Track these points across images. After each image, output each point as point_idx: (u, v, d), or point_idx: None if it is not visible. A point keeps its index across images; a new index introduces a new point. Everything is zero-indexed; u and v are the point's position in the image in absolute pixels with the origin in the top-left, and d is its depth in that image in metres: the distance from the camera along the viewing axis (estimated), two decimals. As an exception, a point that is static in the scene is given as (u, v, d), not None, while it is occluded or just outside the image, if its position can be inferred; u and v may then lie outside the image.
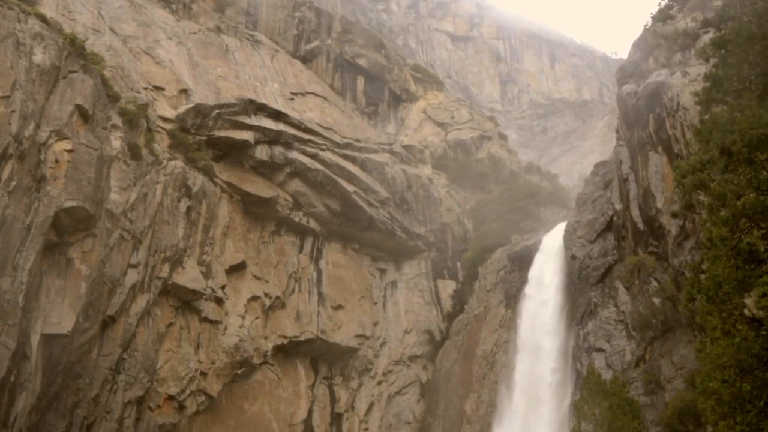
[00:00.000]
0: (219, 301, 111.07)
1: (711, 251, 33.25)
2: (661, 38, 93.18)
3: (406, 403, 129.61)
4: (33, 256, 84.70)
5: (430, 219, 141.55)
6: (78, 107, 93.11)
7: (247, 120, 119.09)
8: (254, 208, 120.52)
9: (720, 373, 28.27)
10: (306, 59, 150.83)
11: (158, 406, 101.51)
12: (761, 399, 26.20)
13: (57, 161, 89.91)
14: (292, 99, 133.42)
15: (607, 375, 64.30)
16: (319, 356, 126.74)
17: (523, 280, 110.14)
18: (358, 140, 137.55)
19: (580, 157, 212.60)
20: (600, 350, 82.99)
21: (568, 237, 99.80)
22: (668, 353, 71.69)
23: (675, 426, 58.99)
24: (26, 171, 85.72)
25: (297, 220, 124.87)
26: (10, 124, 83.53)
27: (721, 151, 34.14)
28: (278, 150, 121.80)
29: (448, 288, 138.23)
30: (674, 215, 49.83)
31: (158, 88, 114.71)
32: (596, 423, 44.92)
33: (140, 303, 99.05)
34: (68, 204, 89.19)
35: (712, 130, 36.47)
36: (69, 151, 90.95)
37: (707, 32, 75.51)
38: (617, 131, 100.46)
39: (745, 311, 29.63)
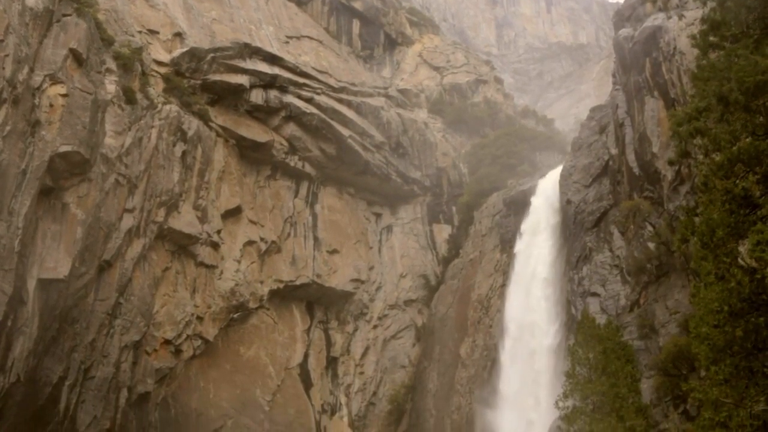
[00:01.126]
0: (215, 246, 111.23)
1: (705, 196, 33.27)
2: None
3: (401, 347, 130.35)
4: (28, 201, 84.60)
5: (426, 163, 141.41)
6: (72, 51, 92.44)
7: (242, 64, 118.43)
8: (249, 153, 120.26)
9: (713, 317, 28.38)
10: (301, 2, 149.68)
11: (155, 350, 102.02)
12: (751, 342, 26.35)
13: (51, 106, 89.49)
14: (287, 42, 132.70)
15: (601, 319, 64.57)
16: (315, 300, 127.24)
17: (518, 225, 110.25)
18: (353, 84, 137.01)
19: (576, 101, 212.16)
20: (594, 295, 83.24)
21: (564, 182, 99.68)
22: (662, 298, 71.92)
23: (668, 370, 59.34)
24: (21, 116, 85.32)
25: (292, 164, 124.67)
26: (3, 68, 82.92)
27: (718, 99, 34.04)
28: (273, 94, 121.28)
29: (443, 232, 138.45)
30: (671, 162, 49.82)
31: (152, 32, 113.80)
32: (590, 367, 45.16)
33: (136, 248, 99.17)
34: (63, 149, 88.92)
35: (709, 78, 36.35)
36: (63, 96, 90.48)
37: (705, -26, 74.83)
38: (613, 75, 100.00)
39: (739, 260, 29.70)
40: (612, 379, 43.50)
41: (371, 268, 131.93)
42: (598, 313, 75.60)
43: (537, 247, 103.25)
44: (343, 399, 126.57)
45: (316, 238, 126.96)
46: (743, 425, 25.87)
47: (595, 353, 45.65)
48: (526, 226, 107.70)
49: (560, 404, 46.02)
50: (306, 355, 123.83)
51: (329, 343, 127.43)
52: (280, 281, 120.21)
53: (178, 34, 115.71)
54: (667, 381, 59.20)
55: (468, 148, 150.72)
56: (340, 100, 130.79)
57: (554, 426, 67.65)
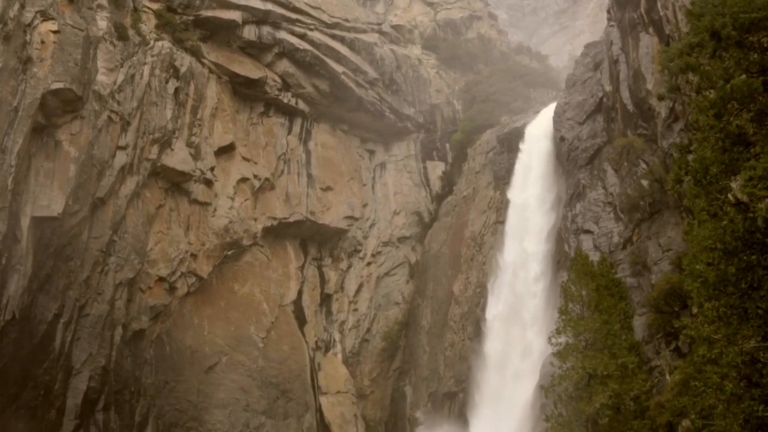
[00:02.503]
0: (208, 183, 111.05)
1: (699, 133, 33.20)
2: None
3: (395, 284, 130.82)
4: (21, 138, 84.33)
5: (419, 100, 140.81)
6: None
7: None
8: (242, 89, 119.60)
9: (706, 255, 28.47)
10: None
11: (149, 287, 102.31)
12: (745, 281, 26.44)
13: (43, 42, 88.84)
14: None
15: (594, 257, 64.75)
16: (309, 238, 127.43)
17: (511, 162, 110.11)
18: (346, 20, 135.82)
19: (570, 37, 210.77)
20: (588, 232, 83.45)
21: (558, 118, 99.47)
22: (655, 235, 72.10)
23: (661, 307, 59.64)
24: (12, 53, 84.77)
25: (285, 101, 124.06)
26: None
27: (711, 35, 33.81)
28: (266, 30, 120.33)
29: (436, 169, 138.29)
30: (660, 98, 49.69)
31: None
32: (583, 304, 45.39)
33: (129, 185, 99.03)
34: (55, 86, 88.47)
35: (703, 14, 36.04)
36: (55, 32, 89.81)
37: None
38: (608, 12, 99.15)
39: (730, 195, 29.70)
40: (604, 316, 43.76)
41: (365, 205, 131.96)
42: (591, 251, 75.85)
43: (530, 184, 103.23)
44: (336, 336, 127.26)
45: (309, 175, 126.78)
46: (734, 362, 26.06)
47: (587, 290, 45.87)
48: (519, 163, 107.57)
49: (553, 341, 46.31)
50: (300, 292, 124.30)
51: (323, 280, 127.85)
52: (274, 218, 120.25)
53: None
54: (660, 318, 59.55)
55: (462, 85, 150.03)
56: (333, 36, 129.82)
57: (547, 362, 68.20)
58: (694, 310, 44.60)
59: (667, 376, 54.40)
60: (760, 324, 25.51)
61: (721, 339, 27.14)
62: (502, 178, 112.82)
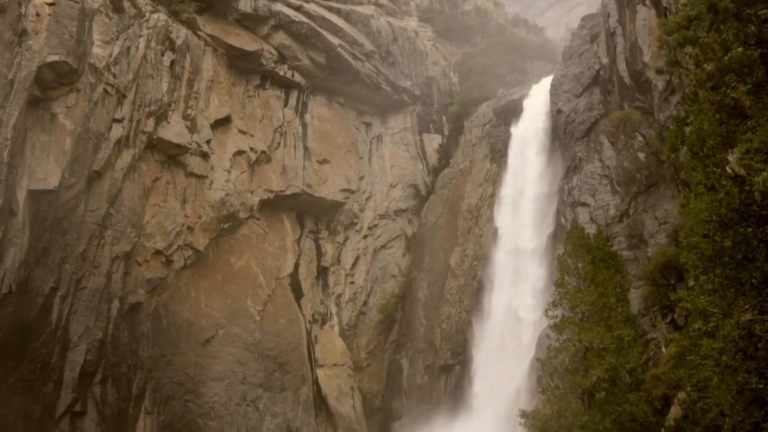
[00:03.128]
0: (204, 156, 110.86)
1: (696, 106, 33.16)
2: None
3: (391, 256, 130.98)
4: (17, 111, 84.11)
5: (416, 72, 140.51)
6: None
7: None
8: (238, 62, 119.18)
9: (702, 227, 28.50)
10: None
11: (146, 260, 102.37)
12: (740, 253, 26.48)
13: (38, 15, 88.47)
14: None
15: (590, 229, 64.79)
16: (305, 210, 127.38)
17: (508, 135, 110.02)
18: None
19: (567, 9, 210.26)
20: (584, 205, 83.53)
21: (554, 91, 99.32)
22: (652, 208, 72.17)
23: (657, 280, 59.74)
24: (7, 25, 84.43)
25: (282, 73, 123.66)
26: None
27: (708, 8, 33.68)
28: (262, 2, 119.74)
29: (433, 142, 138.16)
30: (659, 72, 49.58)
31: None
32: (579, 276, 45.44)
33: (126, 158, 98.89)
34: (51, 58, 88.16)
35: (702, -15, 35.89)
36: (50, 4, 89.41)
37: None
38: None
39: (728, 169, 29.68)
40: (600, 288, 43.82)
41: (361, 178, 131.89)
42: (587, 223, 75.88)
43: (527, 157, 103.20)
44: (333, 308, 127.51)
45: (306, 148, 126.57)
46: (730, 335, 26.14)
47: (584, 263, 45.90)
48: (516, 135, 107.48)
49: (549, 313, 46.40)
50: (296, 265, 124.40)
51: (320, 253, 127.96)
52: (270, 191, 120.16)
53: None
54: (656, 291, 59.66)
55: (458, 57, 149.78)
56: (329, 8, 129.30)
57: (543, 335, 68.36)
58: (690, 282, 44.65)
59: (663, 349, 54.56)
60: (756, 296, 25.57)
61: (716, 312, 27.19)
62: (499, 150, 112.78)
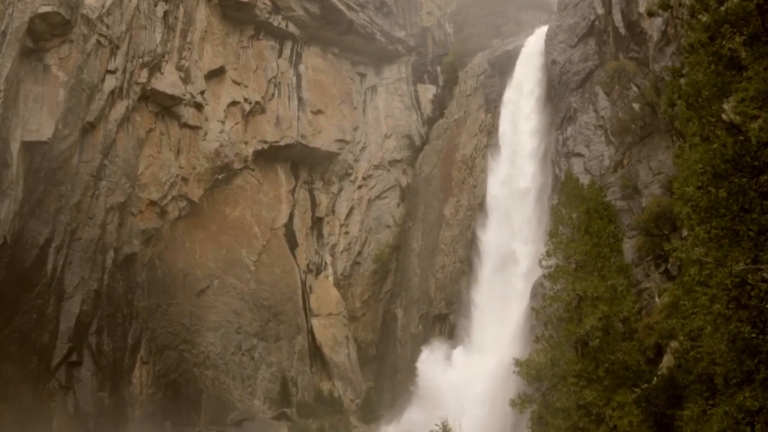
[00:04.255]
0: (198, 107, 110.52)
1: (691, 57, 33.05)
2: None
3: (386, 207, 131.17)
4: (9, 63, 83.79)
5: (411, 23, 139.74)
6: None
7: None
8: (232, 12, 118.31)
9: (696, 178, 28.53)
10: None
11: (140, 211, 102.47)
12: (735, 204, 26.54)
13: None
14: None
15: (585, 180, 64.81)
16: (300, 161, 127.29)
17: (503, 85, 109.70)
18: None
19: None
20: (579, 155, 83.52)
21: (549, 41, 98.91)
22: (646, 159, 72.16)
23: (651, 230, 59.90)
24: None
25: (276, 24, 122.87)
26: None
27: (704, -43, 33.44)
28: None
29: (428, 92, 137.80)
30: (650, 14, 49.28)
31: None
32: (573, 227, 45.42)
33: (119, 109, 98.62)
34: (43, 9, 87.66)
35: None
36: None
37: None
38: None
39: (723, 116, 29.64)
40: (594, 238, 43.86)
41: (356, 129, 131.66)
42: (581, 174, 75.93)
43: (521, 108, 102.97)
44: (328, 258, 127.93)
45: (300, 99, 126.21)
46: (723, 284, 26.27)
47: (578, 213, 45.87)
48: (511, 86, 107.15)
49: (543, 263, 46.49)
50: (291, 216, 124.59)
51: (314, 204, 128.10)
52: (265, 142, 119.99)
53: None
54: (649, 241, 59.84)
55: (453, 8, 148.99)
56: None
57: (537, 284, 68.66)
58: (684, 233, 44.80)
59: (656, 299, 54.89)
60: (750, 246, 25.68)
61: (710, 261, 27.32)
62: (494, 101, 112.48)
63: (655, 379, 41.15)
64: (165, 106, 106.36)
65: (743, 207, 26.03)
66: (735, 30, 31.00)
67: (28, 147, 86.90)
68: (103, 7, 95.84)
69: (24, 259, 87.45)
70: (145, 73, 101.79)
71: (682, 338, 33.96)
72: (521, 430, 52.92)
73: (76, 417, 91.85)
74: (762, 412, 24.87)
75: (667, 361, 43.28)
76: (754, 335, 25.53)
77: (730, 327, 26.37)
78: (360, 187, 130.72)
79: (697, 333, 30.26)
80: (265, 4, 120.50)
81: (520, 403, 41.74)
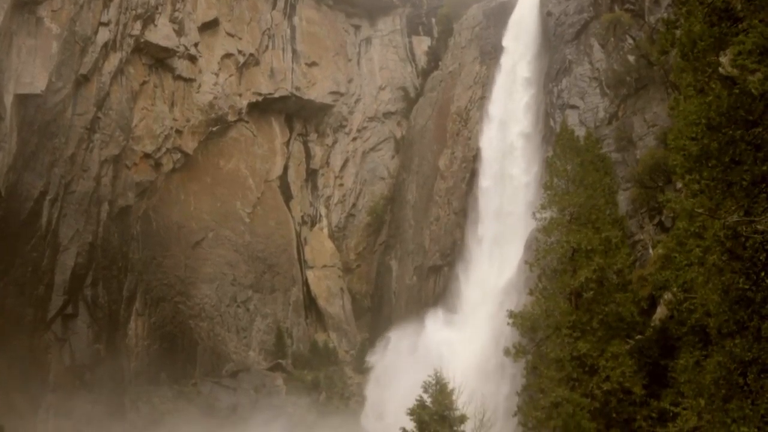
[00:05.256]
0: (192, 59, 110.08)
1: (686, 7, 32.93)
2: None
3: (380, 159, 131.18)
4: (2, 16, 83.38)
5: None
6: None
7: None
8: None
9: (690, 130, 28.55)
10: None
11: (135, 164, 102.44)
12: (727, 155, 26.59)
13: None
14: None
15: (580, 132, 64.67)
16: (294, 113, 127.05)
17: (498, 37, 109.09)
18: None
19: None
20: (573, 107, 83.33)
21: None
22: (641, 111, 72.07)
23: (645, 182, 59.97)
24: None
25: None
26: None
27: None
28: None
29: (422, 44, 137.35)
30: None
31: None
32: (568, 179, 45.44)
33: (113, 61, 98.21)
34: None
35: None
36: None
37: None
38: None
39: (720, 69, 29.60)
40: (589, 190, 43.92)
41: (350, 81, 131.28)
42: (576, 126, 75.70)
43: (516, 60, 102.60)
44: (323, 210, 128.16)
45: (294, 51, 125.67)
46: (717, 236, 26.41)
47: (573, 165, 45.86)
48: (506, 38, 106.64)
49: (538, 215, 46.58)
50: (286, 168, 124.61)
51: (309, 156, 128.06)
52: (259, 94, 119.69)
53: None
54: (644, 193, 59.94)
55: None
56: None
57: (532, 236, 68.82)
58: (678, 184, 44.88)
59: (650, 250, 55.08)
60: (742, 197, 25.77)
61: (704, 213, 27.45)
62: (489, 53, 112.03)
63: (649, 330, 41.37)
64: (159, 59, 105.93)
65: (734, 158, 26.11)
66: (729, -19, 30.87)
67: (21, 100, 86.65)
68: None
69: (18, 212, 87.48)
70: (138, 25, 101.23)
71: (675, 289, 34.13)
72: (515, 382, 53.30)
73: (72, 369, 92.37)
74: (755, 362, 25.10)
75: (661, 312, 43.51)
76: (747, 286, 25.68)
77: (723, 278, 26.53)
78: (354, 139, 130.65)
79: (690, 284, 30.44)
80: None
81: (514, 353, 42.01)
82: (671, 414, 31.81)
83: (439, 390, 38.18)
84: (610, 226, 42.63)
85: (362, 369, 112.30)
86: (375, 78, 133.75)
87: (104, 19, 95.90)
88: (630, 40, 76.83)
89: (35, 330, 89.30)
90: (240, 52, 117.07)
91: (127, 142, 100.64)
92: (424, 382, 38.92)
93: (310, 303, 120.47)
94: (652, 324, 42.30)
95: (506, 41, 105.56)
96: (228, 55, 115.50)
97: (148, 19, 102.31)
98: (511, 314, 43.16)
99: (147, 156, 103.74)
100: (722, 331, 27.31)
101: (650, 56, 67.81)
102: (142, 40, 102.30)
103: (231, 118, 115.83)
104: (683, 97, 32.16)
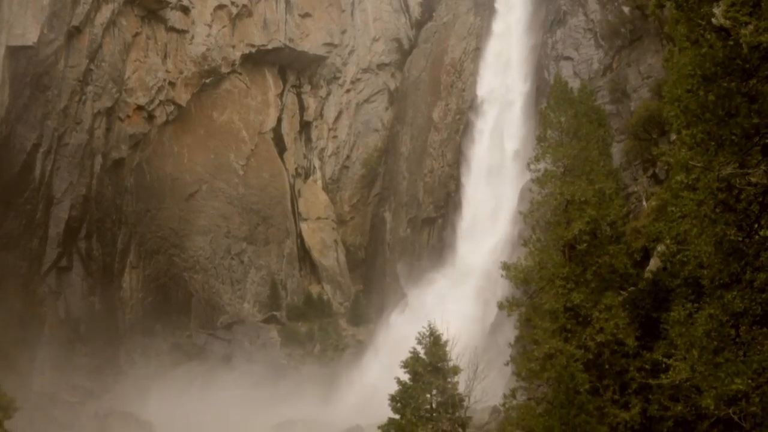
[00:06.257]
0: (185, 10, 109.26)
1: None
2: None
3: (374, 110, 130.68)
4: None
5: None
6: None
7: None
8: None
9: (685, 81, 28.43)
10: None
11: (128, 116, 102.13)
12: (723, 107, 26.51)
13: None
14: None
15: (574, 83, 64.56)
16: (287, 65, 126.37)
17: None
18: None
19: None
20: (568, 58, 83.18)
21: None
22: (635, 62, 71.93)
23: (639, 134, 59.97)
24: None
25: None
26: None
27: None
28: None
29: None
30: None
31: None
32: (562, 131, 45.26)
33: (105, 13, 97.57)
34: None
35: None
36: None
37: None
38: None
39: (713, 20, 29.45)
40: (583, 142, 43.76)
41: (344, 32, 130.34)
42: (570, 77, 75.50)
43: (511, 9, 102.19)
44: (316, 163, 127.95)
45: (287, 2, 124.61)
46: (710, 188, 26.38)
47: (567, 117, 45.66)
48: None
49: (531, 167, 46.46)
50: (279, 120, 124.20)
51: (302, 108, 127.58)
52: (252, 45, 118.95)
53: None
54: (638, 145, 59.95)
55: None
56: None
57: (525, 188, 68.84)
58: (673, 137, 44.83)
59: (644, 202, 55.18)
60: (736, 150, 25.73)
61: (698, 165, 27.40)
62: (483, 3, 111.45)
63: (642, 282, 41.49)
64: (151, 10, 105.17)
65: (729, 111, 26.02)
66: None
67: (13, 52, 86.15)
68: None
69: (11, 164, 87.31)
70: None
71: (668, 241, 34.19)
72: (509, 334, 53.56)
73: (67, 322, 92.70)
74: (747, 313, 25.19)
75: (654, 264, 43.66)
76: (740, 238, 25.72)
77: (716, 230, 26.54)
78: (348, 90, 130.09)
79: (683, 236, 30.44)
80: None
81: (507, 305, 42.09)
82: (664, 365, 31.94)
83: (433, 342, 38.29)
84: (603, 177, 42.55)
85: (356, 321, 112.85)
86: (369, 29, 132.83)
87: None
88: (625, -9, 76.48)
89: (29, 283, 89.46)
90: (233, 3, 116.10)
91: (120, 94, 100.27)
92: (418, 333, 39.03)
93: (304, 255, 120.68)
94: (645, 276, 42.45)
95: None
96: (221, 6, 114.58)
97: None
98: (505, 266, 43.16)
99: (140, 108, 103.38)
100: (715, 283, 27.39)
101: (645, 7, 67.51)
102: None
103: (224, 69, 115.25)
104: (678, 49, 31.99)
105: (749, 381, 24.13)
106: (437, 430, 36.02)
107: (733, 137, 25.55)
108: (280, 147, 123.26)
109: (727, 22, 27.70)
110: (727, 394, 24.70)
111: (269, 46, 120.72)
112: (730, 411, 26.57)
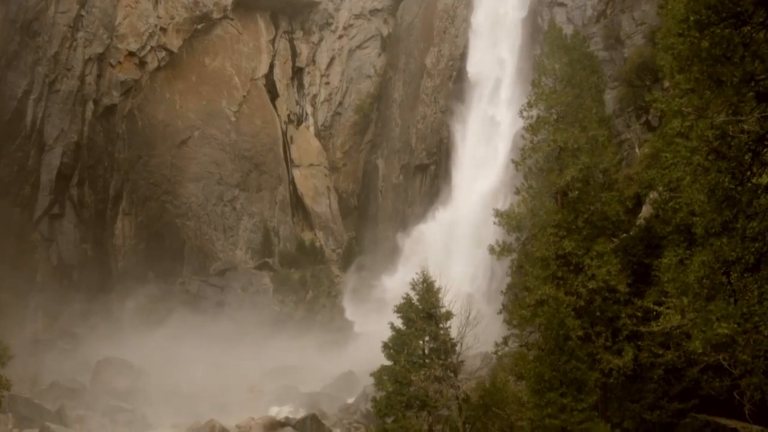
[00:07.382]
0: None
1: None
2: None
3: (366, 57, 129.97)
4: None
5: None
6: None
7: None
8: None
9: (679, 27, 28.27)
10: None
11: (119, 62, 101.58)
12: (719, 49, 26.43)
13: None
14: None
15: (567, 30, 64.25)
16: (280, 10, 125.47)
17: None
18: None
19: None
20: (561, 4, 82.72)
21: None
22: (629, 9, 71.62)
23: (633, 81, 59.89)
24: None
25: None
26: None
27: None
28: None
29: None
30: None
31: None
32: (556, 78, 45.09)
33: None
34: None
35: None
36: None
37: None
38: None
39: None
40: (576, 89, 43.61)
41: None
42: (564, 24, 75.06)
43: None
44: (309, 109, 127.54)
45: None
46: (704, 135, 26.33)
47: (560, 64, 45.48)
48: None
49: (524, 114, 46.33)
50: (271, 66, 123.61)
51: (294, 54, 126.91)
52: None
53: None
54: (631, 92, 59.90)
55: None
56: None
57: (518, 135, 68.76)
58: (666, 84, 44.70)
59: (637, 150, 55.19)
60: (731, 96, 25.64)
61: (691, 112, 27.31)
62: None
63: (634, 229, 41.63)
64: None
65: (724, 55, 25.90)
66: None
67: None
68: None
69: (2, 111, 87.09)
70: None
71: (661, 189, 34.21)
72: (501, 281, 53.74)
73: (60, 268, 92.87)
74: (738, 261, 25.25)
75: (646, 211, 43.72)
76: (733, 186, 25.71)
77: (709, 177, 26.51)
78: (341, 36, 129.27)
79: (676, 184, 30.47)
80: None
81: (499, 251, 42.17)
82: (655, 313, 32.14)
83: (426, 288, 38.37)
84: (596, 125, 42.45)
85: (349, 267, 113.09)
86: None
87: None
88: (620, -65, 75.99)
89: (22, 230, 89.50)
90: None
91: (111, 40, 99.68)
92: (412, 280, 39.10)
93: (296, 202, 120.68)
94: (638, 223, 42.56)
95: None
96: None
97: None
98: (497, 213, 43.15)
99: (131, 54, 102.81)
100: (707, 231, 27.44)
101: (640, -48, 67.10)
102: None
103: (216, 15, 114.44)
104: (673, -6, 31.82)
105: (735, 326, 24.28)
106: (429, 376, 36.20)
107: (734, 78, 25.40)
108: (273, 93, 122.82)
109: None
110: (715, 338, 24.84)
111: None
112: (720, 357, 26.76)
